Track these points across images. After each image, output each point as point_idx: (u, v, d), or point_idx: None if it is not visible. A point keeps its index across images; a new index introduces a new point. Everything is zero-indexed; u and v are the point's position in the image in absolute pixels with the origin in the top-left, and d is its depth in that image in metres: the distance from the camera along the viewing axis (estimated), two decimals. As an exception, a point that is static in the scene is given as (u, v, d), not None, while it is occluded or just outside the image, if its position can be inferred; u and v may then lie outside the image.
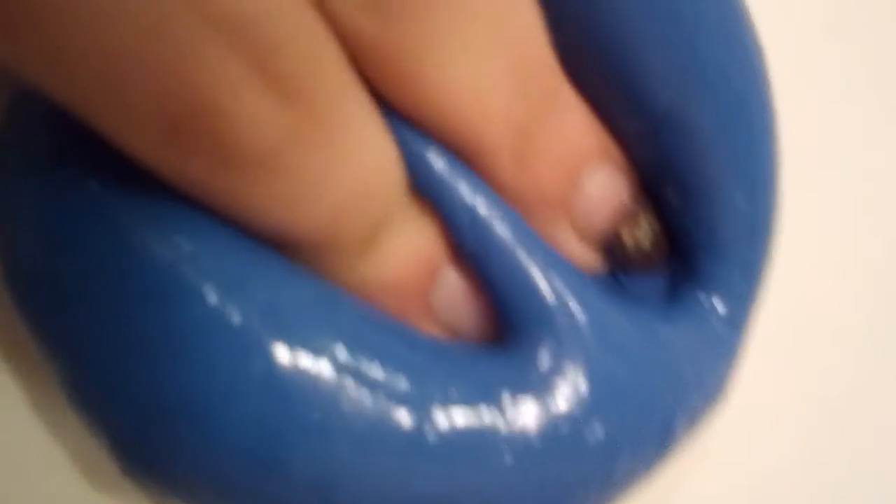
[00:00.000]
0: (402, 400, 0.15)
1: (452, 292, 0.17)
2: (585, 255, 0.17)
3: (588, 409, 0.15)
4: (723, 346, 0.17)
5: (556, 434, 0.15)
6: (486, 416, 0.15)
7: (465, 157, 0.16)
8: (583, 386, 0.15)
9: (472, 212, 0.16)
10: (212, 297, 0.14)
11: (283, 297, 0.15)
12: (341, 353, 0.15)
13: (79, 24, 0.12)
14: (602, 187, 0.17)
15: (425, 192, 0.16)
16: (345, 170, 0.15)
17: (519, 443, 0.15)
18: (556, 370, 0.15)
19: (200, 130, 0.13)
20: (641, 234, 0.17)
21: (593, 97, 0.17)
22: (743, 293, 0.18)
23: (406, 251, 0.16)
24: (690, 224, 0.17)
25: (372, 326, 0.16)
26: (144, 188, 0.15)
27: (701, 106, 0.17)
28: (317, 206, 0.15)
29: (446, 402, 0.15)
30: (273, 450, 0.15)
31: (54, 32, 0.12)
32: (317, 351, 0.15)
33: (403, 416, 0.15)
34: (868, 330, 0.21)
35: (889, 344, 0.21)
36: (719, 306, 0.17)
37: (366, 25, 0.14)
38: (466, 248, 0.16)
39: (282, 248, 0.16)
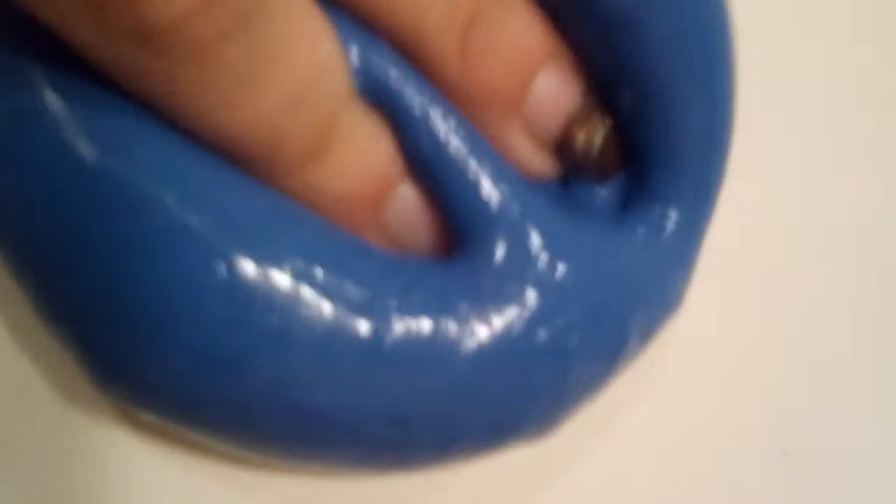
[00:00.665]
0: (359, 308, 0.15)
1: (404, 208, 0.17)
2: (537, 157, 0.17)
3: (537, 314, 0.16)
4: (675, 256, 0.18)
5: (508, 339, 0.16)
6: (439, 324, 0.16)
7: (412, 55, 0.16)
8: (531, 292, 0.16)
9: (422, 119, 0.16)
10: (171, 205, 0.15)
11: (241, 206, 0.15)
12: (299, 261, 0.15)
13: None
14: (553, 88, 0.17)
15: (374, 97, 0.16)
16: (279, 63, 0.15)
17: (472, 348, 0.16)
18: (505, 278, 0.16)
19: (119, 8, 0.13)
20: (594, 135, 0.17)
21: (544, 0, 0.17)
22: (696, 205, 0.18)
23: (357, 162, 0.16)
24: (644, 135, 0.17)
25: (329, 237, 0.16)
26: (99, 99, 0.15)
27: (660, 10, 0.16)
28: (254, 105, 0.15)
29: (402, 310, 0.15)
30: (233, 354, 0.15)
31: None
32: (276, 259, 0.15)
33: (361, 324, 0.15)
34: (817, 255, 0.21)
35: (837, 268, 0.21)
36: (672, 217, 0.18)
37: None
38: (417, 156, 0.16)
39: (239, 163, 0.16)
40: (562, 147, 0.17)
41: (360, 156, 0.16)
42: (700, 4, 0.17)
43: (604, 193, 0.18)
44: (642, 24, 0.16)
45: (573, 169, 0.18)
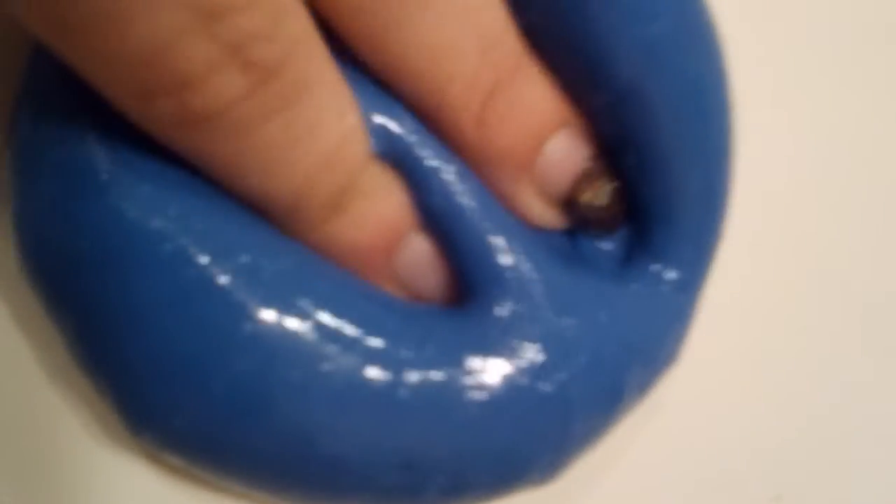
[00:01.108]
0: (375, 360, 0.16)
1: (416, 258, 0.18)
2: (546, 213, 0.19)
3: (540, 365, 0.17)
4: (672, 311, 0.19)
5: (514, 389, 0.17)
6: (450, 374, 0.17)
7: (431, 119, 0.17)
8: (535, 346, 0.17)
9: (436, 177, 0.17)
10: (202, 262, 0.16)
11: (267, 262, 0.16)
12: (321, 316, 0.16)
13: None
14: (563, 151, 0.18)
15: (392, 158, 0.17)
16: (313, 135, 0.16)
17: (480, 398, 0.17)
18: (511, 330, 0.17)
19: (168, 90, 0.14)
20: (600, 193, 0.19)
21: (559, 73, 0.18)
22: (693, 263, 0.19)
23: (373, 215, 0.17)
24: (646, 197, 0.19)
25: (348, 291, 0.17)
26: (141, 158, 0.16)
27: (659, 84, 0.18)
28: (287, 172, 0.16)
29: (416, 362, 0.17)
30: (257, 406, 0.16)
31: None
32: (298, 313, 0.16)
33: (377, 375, 0.16)
34: (809, 311, 0.23)
35: (834, 311, 0.23)
36: (670, 274, 0.19)
37: None
38: (430, 212, 0.18)
39: (264, 215, 0.17)
40: (570, 203, 0.19)
41: (376, 209, 0.17)
42: (702, 77, 0.18)
43: (607, 249, 0.19)
44: (648, 96, 0.18)
45: (580, 223, 0.19)
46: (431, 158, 0.18)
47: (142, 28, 0.14)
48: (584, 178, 0.19)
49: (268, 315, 0.16)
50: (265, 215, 0.17)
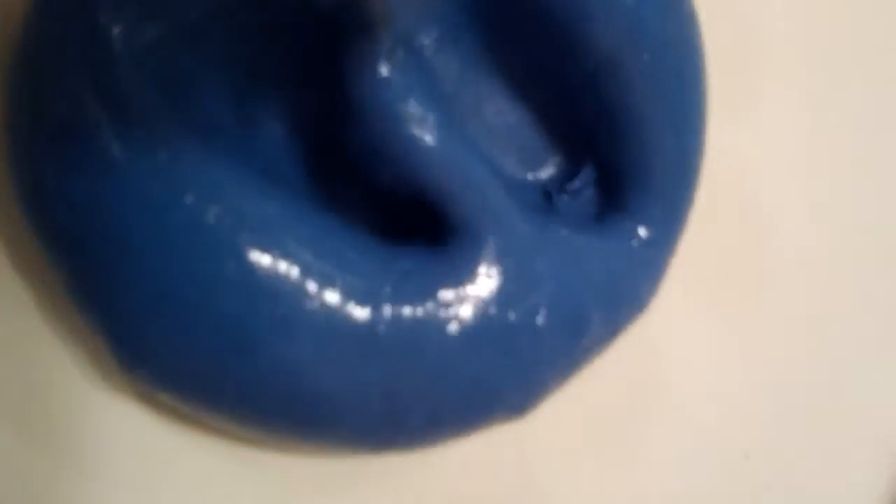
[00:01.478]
0: (356, 296, 0.17)
1: None
2: None
3: (508, 295, 0.18)
4: (641, 264, 0.20)
5: (484, 318, 0.18)
6: (426, 308, 0.18)
7: None
8: (504, 278, 0.18)
9: (420, 125, 0.18)
10: (189, 203, 0.17)
11: (252, 206, 0.17)
12: (303, 256, 0.17)
13: None
14: None
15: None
16: None
17: (455, 329, 0.18)
18: (483, 266, 0.18)
19: None
20: None
21: (547, 46, 0.19)
22: (664, 222, 0.20)
23: None
24: (622, 162, 0.20)
25: (330, 234, 0.18)
26: (135, 106, 0.17)
27: (637, 53, 0.19)
28: None
29: (393, 297, 0.18)
30: (244, 342, 0.17)
31: None
32: (282, 254, 0.17)
33: (358, 312, 0.17)
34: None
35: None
36: (642, 231, 0.20)
37: None
38: (412, 156, 0.18)
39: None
40: None
41: None
42: (677, 45, 0.20)
43: (582, 206, 0.20)
44: (626, 65, 0.19)
45: None
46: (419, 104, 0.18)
47: None
48: None
49: (252, 255, 0.17)
50: None
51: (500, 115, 0.21)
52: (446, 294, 0.18)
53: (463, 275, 0.18)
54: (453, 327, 0.18)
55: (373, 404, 0.18)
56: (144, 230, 0.17)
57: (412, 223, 0.19)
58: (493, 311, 0.18)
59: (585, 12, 0.19)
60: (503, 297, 0.18)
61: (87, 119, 0.17)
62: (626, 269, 0.20)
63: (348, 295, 0.17)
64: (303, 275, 0.17)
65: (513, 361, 0.18)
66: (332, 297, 0.17)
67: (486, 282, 0.18)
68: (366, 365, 0.18)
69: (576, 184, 0.20)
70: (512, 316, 0.18)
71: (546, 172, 0.21)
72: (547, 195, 0.20)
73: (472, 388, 0.18)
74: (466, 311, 0.18)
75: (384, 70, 0.18)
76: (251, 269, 0.17)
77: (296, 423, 0.18)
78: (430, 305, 0.18)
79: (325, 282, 0.17)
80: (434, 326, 0.18)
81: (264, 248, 0.17)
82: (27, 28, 0.18)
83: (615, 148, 0.20)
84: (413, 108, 0.18)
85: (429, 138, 0.18)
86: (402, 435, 0.18)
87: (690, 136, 0.20)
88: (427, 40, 0.20)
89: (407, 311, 0.18)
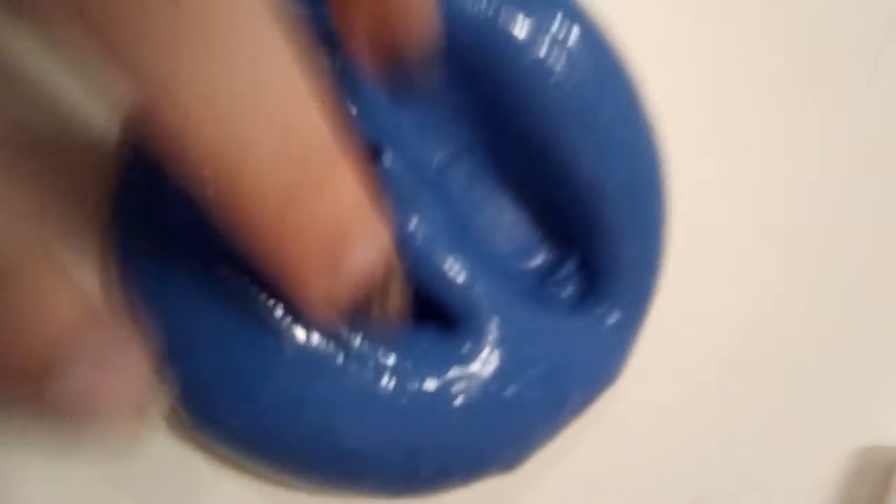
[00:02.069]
0: (385, 373, 0.22)
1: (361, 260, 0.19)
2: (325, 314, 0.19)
3: (506, 376, 0.23)
4: (611, 345, 0.25)
5: (485, 394, 0.22)
6: (441, 384, 0.22)
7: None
8: (501, 361, 0.23)
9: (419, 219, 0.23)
10: (261, 300, 0.22)
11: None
12: (345, 341, 0.22)
13: None
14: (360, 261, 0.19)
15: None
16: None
17: (462, 401, 0.22)
18: (484, 349, 0.23)
19: None
20: (390, 302, 0.22)
21: (540, 163, 0.24)
22: (631, 309, 0.25)
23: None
24: (599, 259, 0.25)
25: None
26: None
27: (613, 180, 0.24)
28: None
29: (415, 374, 0.22)
30: (294, 410, 0.22)
31: None
32: (329, 339, 0.22)
33: (386, 385, 0.22)
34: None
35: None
36: (612, 317, 0.25)
37: None
38: (414, 250, 0.22)
39: None
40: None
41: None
42: (645, 172, 0.24)
43: (565, 294, 0.25)
44: (603, 191, 0.24)
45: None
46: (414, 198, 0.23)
47: None
48: (379, 283, 0.21)
49: (306, 340, 0.22)
50: None
51: (499, 214, 0.25)
52: (455, 373, 0.22)
53: (469, 357, 0.22)
54: (459, 400, 0.22)
55: (394, 460, 0.22)
56: (219, 320, 0.22)
57: (427, 309, 0.23)
58: (492, 388, 0.22)
59: (572, 152, 0.23)
60: (501, 376, 0.22)
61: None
62: (601, 352, 0.24)
63: (378, 372, 0.22)
64: (345, 356, 0.22)
65: (507, 428, 0.23)
66: (366, 374, 0.22)
67: (487, 363, 0.23)
68: (391, 428, 0.22)
69: (562, 273, 0.25)
70: (508, 392, 0.22)
71: (536, 262, 0.26)
72: (537, 282, 0.25)
73: (474, 449, 0.23)
74: (471, 388, 0.22)
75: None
76: (302, 351, 0.22)
77: (331, 475, 0.23)
78: (442, 381, 0.22)
79: (361, 362, 0.22)
80: (445, 399, 0.22)
81: (315, 334, 0.22)
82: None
83: (595, 246, 0.25)
84: (424, 229, 0.23)
85: (440, 252, 0.23)
86: (416, 484, 0.23)
87: (653, 240, 0.25)
88: (442, 154, 0.25)
89: (424, 385, 0.22)
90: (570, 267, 0.25)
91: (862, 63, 0.31)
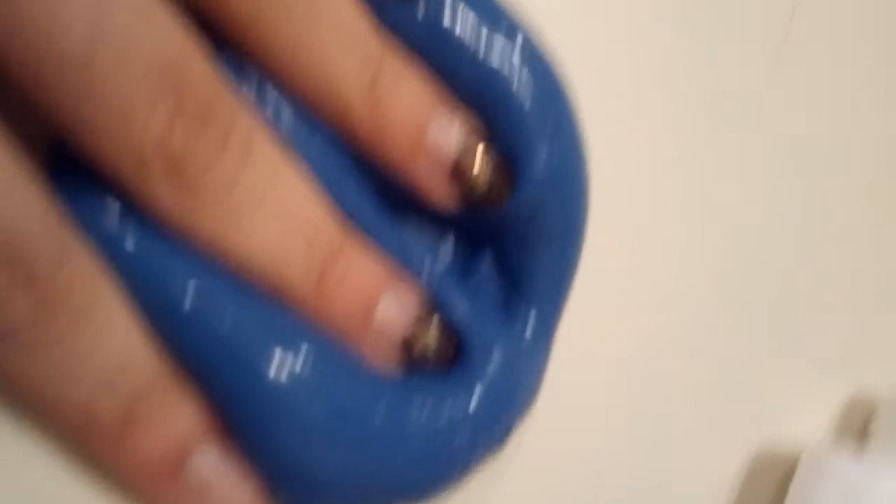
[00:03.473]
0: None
1: (202, 472, 0.20)
2: (386, 365, 0.22)
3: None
4: (530, 359, 0.24)
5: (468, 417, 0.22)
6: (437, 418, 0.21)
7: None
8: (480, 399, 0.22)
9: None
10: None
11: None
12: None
13: None
14: (392, 311, 0.22)
15: None
16: (92, 354, 0.18)
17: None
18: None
19: None
20: (430, 342, 0.22)
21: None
22: (547, 316, 0.24)
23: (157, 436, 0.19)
24: (523, 271, 0.23)
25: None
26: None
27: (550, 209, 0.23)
28: (73, 388, 0.18)
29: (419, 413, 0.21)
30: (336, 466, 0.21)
31: None
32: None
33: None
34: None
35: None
36: (530, 324, 0.24)
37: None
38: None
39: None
40: (407, 352, 0.22)
41: (161, 430, 0.20)
42: (579, 196, 0.24)
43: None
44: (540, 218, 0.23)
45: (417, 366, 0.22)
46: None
47: None
48: (415, 329, 0.22)
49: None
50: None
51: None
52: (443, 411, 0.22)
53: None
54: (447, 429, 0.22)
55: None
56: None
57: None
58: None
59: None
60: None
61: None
62: (532, 372, 0.23)
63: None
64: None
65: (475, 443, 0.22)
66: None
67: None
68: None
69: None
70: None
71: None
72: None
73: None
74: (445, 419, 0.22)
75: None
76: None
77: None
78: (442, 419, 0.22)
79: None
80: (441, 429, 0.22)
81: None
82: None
83: (519, 263, 0.24)
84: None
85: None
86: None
87: (571, 258, 0.24)
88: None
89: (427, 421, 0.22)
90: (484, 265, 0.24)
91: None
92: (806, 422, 0.30)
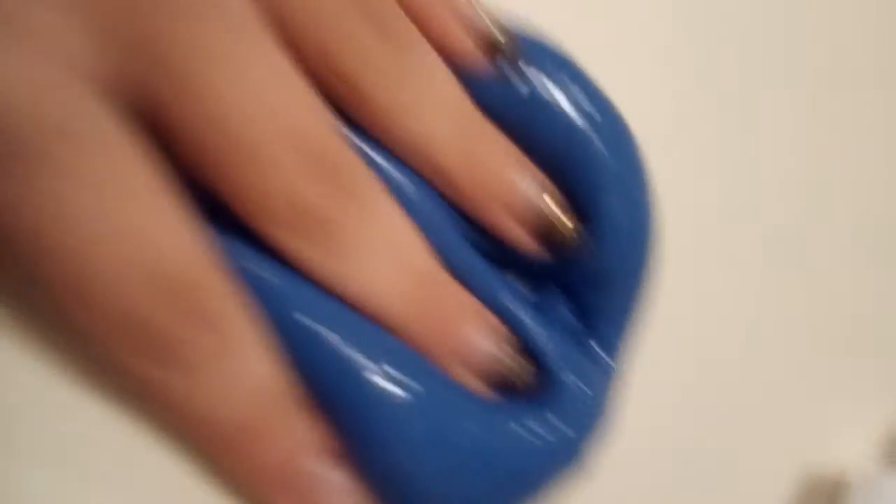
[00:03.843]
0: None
1: (318, 480, 0.23)
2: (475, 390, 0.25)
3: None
4: (603, 385, 0.26)
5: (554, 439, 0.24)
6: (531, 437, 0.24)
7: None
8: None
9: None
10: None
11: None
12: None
13: None
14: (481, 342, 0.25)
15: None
16: (238, 377, 0.21)
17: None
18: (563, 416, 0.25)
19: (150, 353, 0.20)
20: (515, 367, 0.25)
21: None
22: (611, 358, 0.27)
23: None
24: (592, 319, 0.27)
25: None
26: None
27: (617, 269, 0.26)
28: (220, 406, 0.21)
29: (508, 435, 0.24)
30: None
31: None
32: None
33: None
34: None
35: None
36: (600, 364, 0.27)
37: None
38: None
39: None
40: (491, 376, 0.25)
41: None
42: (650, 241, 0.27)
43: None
44: (606, 265, 0.26)
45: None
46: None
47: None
48: (502, 357, 0.25)
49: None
50: None
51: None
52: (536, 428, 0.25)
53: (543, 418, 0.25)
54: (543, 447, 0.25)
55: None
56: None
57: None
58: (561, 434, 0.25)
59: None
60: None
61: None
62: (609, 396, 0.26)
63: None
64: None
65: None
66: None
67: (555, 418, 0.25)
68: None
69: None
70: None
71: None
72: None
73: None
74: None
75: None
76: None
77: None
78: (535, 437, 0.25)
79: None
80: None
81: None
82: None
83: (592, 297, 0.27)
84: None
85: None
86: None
87: (639, 295, 0.27)
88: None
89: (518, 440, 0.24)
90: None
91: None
92: (850, 446, 0.32)
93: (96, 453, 0.21)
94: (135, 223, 0.20)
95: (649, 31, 0.32)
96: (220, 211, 0.22)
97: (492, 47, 0.25)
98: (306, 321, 0.22)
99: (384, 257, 0.23)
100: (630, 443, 0.28)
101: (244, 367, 0.21)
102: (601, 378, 0.26)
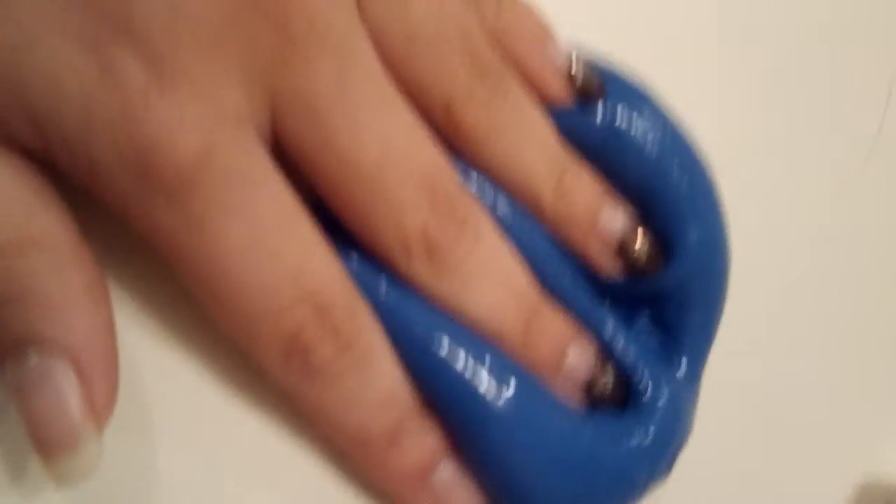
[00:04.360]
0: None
1: (444, 482, 0.25)
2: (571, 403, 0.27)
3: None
4: (687, 397, 0.28)
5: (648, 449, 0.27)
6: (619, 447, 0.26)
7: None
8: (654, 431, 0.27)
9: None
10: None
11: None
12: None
13: None
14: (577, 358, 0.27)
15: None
16: (370, 388, 0.24)
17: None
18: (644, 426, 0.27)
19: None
20: (607, 381, 0.27)
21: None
22: (693, 371, 0.29)
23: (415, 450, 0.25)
24: (675, 336, 0.29)
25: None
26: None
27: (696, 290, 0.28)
28: (355, 414, 0.24)
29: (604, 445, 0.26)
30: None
31: None
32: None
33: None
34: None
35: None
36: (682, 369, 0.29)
37: None
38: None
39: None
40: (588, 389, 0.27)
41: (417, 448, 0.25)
42: (716, 268, 0.29)
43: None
44: (685, 287, 0.28)
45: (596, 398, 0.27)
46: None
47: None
48: (595, 373, 0.27)
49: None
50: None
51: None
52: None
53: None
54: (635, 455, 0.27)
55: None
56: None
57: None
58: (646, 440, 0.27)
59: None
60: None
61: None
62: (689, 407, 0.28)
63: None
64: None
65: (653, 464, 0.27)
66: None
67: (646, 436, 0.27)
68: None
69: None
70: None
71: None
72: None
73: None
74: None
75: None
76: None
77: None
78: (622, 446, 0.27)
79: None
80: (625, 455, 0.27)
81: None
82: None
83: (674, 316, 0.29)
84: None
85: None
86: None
87: (717, 313, 0.29)
88: None
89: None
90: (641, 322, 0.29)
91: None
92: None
93: (244, 453, 0.24)
94: (286, 250, 0.23)
95: (719, 55, 0.34)
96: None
97: (579, 86, 0.27)
98: (430, 341, 0.25)
99: (494, 282, 0.26)
100: (695, 453, 0.30)
101: (376, 379, 0.24)
102: (688, 392, 0.28)
